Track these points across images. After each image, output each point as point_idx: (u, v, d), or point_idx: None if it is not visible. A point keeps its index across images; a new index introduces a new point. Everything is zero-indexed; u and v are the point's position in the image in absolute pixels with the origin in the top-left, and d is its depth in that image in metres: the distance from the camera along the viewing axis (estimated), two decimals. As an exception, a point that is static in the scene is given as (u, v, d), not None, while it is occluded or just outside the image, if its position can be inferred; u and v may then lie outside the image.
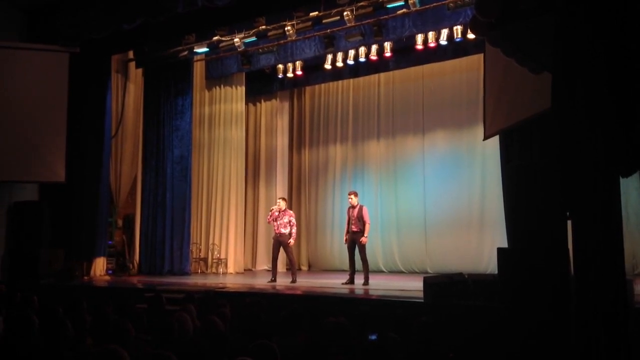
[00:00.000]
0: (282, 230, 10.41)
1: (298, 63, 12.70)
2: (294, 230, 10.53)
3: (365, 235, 9.92)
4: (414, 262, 12.81)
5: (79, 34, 11.04)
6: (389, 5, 10.03)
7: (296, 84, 13.99)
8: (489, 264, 11.26)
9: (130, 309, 5.63)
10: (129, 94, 13.24)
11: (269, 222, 10.92)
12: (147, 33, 11.42)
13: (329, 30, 11.05)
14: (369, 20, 10.59)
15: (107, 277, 11.73)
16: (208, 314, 5.22)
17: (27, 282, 9.92)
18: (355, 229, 9.94)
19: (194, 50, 12.10)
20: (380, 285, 9.72)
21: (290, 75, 13.04)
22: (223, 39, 11.60)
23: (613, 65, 3.13)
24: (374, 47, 11.58)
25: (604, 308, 3.16)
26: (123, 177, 12.97)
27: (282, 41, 11.57)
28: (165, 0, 9.97)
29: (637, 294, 5.93)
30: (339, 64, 12.22)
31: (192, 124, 12.88)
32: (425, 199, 12.77)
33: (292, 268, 10.60)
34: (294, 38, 11.11)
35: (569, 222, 3.54)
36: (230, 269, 13.04)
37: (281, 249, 10.57)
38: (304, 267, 14.10)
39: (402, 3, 9.92)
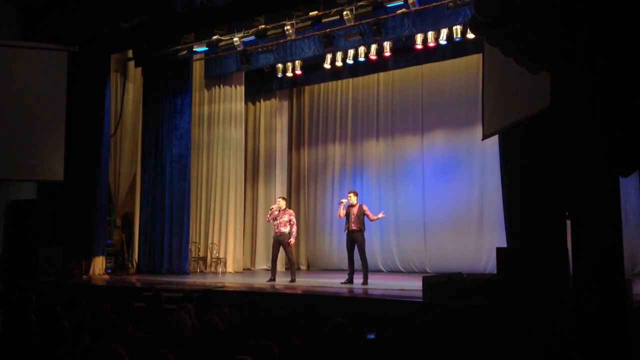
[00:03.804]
0: (282, 229, 10.40)
1: (297, 62, 12.69)
2: (294, 229, 10.52)
3: (380, 214, 10.10)
4: (413, 262, 12.82)
5: (78, 32, 11.04)
6: (388, 5, 10.04)
7: (295, 83, 13.98)
8: (488, 263, 11.27)
9: (129, 308, 5.63)
10: (128, 93, 13.24)
11: (268, 221, 10.92)
12: (146, 32, 11.42)
13: (328, 30, 11.05)
14: (369, 20, 10.59)
15: (106, 276, 11.72)
16: (207, 313, 5.22)
17: (25, 280, 9.90)
18: (354, 228, 9.94)
19: (193, 49, 12.10)
20: (379, 284, 9.71)
21: (289, 74, 13.03)
22: (222, 38, 11.60)
23: (612, 65, 3.13)
24: (373, 47, 11.59)
25: (603, 308, 3.16)
26: (122, 176, 12.97)
27: (281, 40, 11.57)
28: (164, -2, 9.98)
29: (636, 294, 5.94)
30: (338, 63, 12.21)
31: (191, 123, 12.86)
32: (425, 198, 12.77)
33: (292, 267, 10.60)
34: (293, 37, 11.11)
35: (568, 222, 3.54)
36: (229, 268, 13.03)
37: (281, 249, 10.57)
38: (303, 267, 14.10)
39: (401, 2, 9.93)
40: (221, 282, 10.44)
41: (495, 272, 6.71)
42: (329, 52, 11.93)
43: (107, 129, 12.18)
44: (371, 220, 10.10)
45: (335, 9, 10.29)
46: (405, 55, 12.05)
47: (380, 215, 10.18)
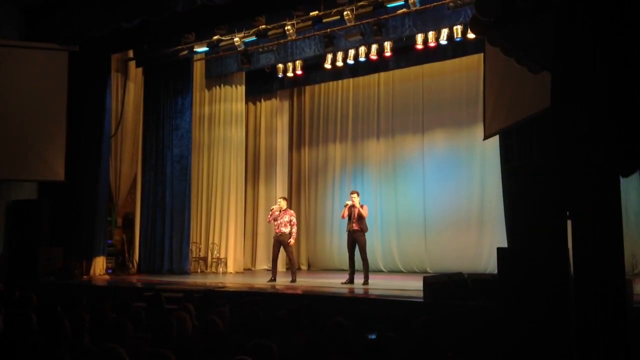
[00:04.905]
0: (283, 230, 10.40)
1: (298, 62, 12.69)
2: (295, 229, 10.52)
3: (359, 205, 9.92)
4: (414, 262, 12.81)
5: (79, 32, 11.04)
6: (388, 5, 10.03)
7: (296, 83, 13.98)
8: (488, 263, 11.27)
9: (129, 308, 5.63)
10: (128, 93, 13.23)
11: (269, 222, 10.91)
12: (146, 32, 11.41)
13: (328, 30, 11.04)
14: (369, 20, 10.58)
15: (107, 276, 11.71)
16: (207, 313, 5.22)
17: (26, 280, 9.91)
18: (356, 228, 9.93)
19: (194, 49, 12.08)
20: (380, 284, 9.71)
21: (290, 74, 13.02)
22: (223, 38, 11.60)
23: (613, 64, 3.13)
24: (374, 47, 11.58)
25: (603, 308, 3.16)
26: (123, 176, 12.96)
27: (282, 40, 11.56)
28: (164, -2, 9.98)
29: (636, 294, 5.93)
30: (339, 63, 12.20)
31: (192, 123, 12.87)
32: (425, 198, 12.77)
33: (292, 267, 10.59)
34: (294, 37, 11.10)
35: (569, 222, 3.54)
36: (230, 268, 13.03)
37: (281, 249, 10.57)
38: (304, 267, 14.10)
39: (402, 2, 9.91)
40: (222, 282, 10.44)
41: (495, 272, 6.71)
42: (329, 52, 11.93)
43: (107, 129, 12.17)
44: (361, 215, 9.97)
45: (335, 9, 10.29)
46: (406, 55, 12.05)
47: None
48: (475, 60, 11.36)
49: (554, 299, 5.22)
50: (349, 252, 10.12)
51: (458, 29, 10.42)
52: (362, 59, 11.89)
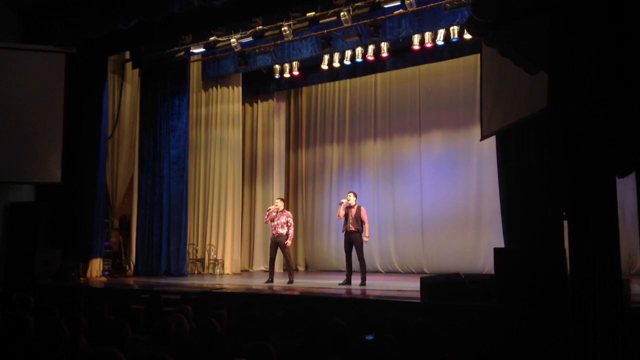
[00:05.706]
0: (280, 231, 10.40)
1: (295, 63, 12.69)
2: (292, 230, 10.51)
3: (366, 235, 9.95)
4: (411, 263, 12.82)
5: (76, 34, 11.02)
6: (385, 6, 10.04)
7: (293, 84, 13.97)
8: (485, 264, 11.28)
9: (126, 310, 5.62)
10: (125, 94, 13.22)
11: (266, 222, 10.92)
12: (143, 33, 11.40)
13: (325, 31, 11.05)
14: (366, 21, 10.59)
15: (103, 278, 11.67)
16: (205, 315, 5.21)
17: (23, 282, 9.89)
18: (352, 229, 9.93)
19: (191, 50, 12.08)
20: (377, 285, 9.71)
21: (287, 75, 13.03)
22: (220, 39, 11.60)
23: (609, 66, 3.14)
24: (371, 48, 11.58)
25: (600, 308, 3.16)
26: (119, 178, 12.95)
27: (278, 41, 11.57)
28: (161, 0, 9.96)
29: (633, 294, 5.94)
30: (336, 64, 12.21)
31: (189, 125, 12.86)
32: (422, 199, 12.78)
33: (289, 269, 10.60)
34: (290, 38, 11.11)
35: (566, 223, 3.55)
36: (227, 269, 13.01)
37: (278, 250, 10.56)
38: (301, 268, 14.10)
39: (398, 3, 9.92)
40: (219, 284, 10.43)
41: (493, 272, 6.72)
42: (326, 53, 11.92)
43: (104, 130, 12.13)
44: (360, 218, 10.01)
45: (332, 10, 10.29)
46: (403, 56, 12.05)
47: (366, 235, 10.02)
48: (472, 61, 11.37)
49: (551, 299, 5.23)
50: (346, 253, 10.12)
51: (455, 29, 10.41)
52: (359, 59, 11.89)
